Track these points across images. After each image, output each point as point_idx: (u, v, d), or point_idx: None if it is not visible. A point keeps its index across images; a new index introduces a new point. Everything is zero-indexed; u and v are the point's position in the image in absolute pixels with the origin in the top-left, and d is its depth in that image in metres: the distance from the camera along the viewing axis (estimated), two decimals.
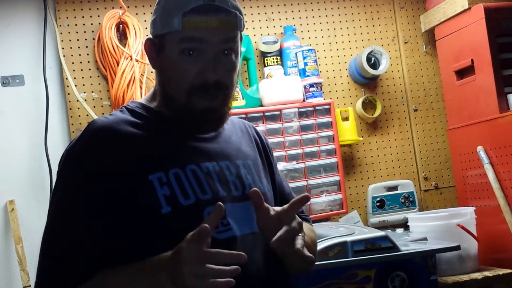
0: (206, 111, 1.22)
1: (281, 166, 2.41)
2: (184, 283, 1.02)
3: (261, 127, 2.40)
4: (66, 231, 1.14)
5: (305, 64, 2.51)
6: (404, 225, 2.51)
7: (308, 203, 2.42)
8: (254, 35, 2.60)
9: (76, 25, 2.40)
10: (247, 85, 2.55)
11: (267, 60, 2.55)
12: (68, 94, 2.36)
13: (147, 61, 1.97)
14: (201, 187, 1.19)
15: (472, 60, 2.43)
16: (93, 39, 2.40)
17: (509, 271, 2.18)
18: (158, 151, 1.21)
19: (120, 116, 1.24)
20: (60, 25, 2.38)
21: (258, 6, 2.62)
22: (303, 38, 2.65)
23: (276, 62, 2.55)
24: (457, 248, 1.98)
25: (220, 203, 1.07)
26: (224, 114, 1.26)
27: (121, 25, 2.39)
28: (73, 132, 2.35)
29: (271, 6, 2.64)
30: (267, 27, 2.63)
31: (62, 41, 2.37)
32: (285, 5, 2.66)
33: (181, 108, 1.22)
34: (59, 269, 1.12)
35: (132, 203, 1.15)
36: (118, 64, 2.31)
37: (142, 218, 1.15)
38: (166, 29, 1.22)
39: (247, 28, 2.59)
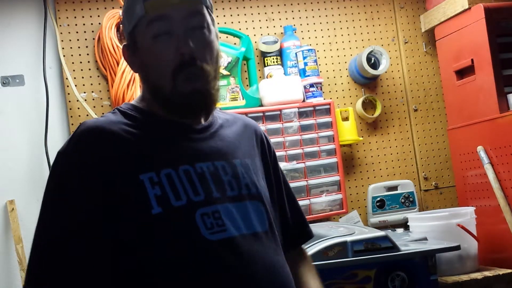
0: (193, 93, 1.20)
1: (281, 166, 2.39)
2: None
3: (261, 127, 2.40)
4: (57, 231, 1.12)
5: (305, 64, 2.51)
6: (404, 225, 2.50)
7: (308, 202, 2.44)
8: (254, 35, 2.59)
9: (76, 25, 2.40)
10: (247, 85, 2.55)
11: (267, 60, 2.55)
12: (68, 94, 2.36)
13: None
14: (194, 188, 1.16)
15: (472, 60, 2.43)
16: (93, 39, 2.40)
17: (509, 271, 2.18)
18: (150, 151, 1.19)
19: (111, 117, 1.24)
20: (60, 25, 2.38)
21: (258, 6, 2.62)
22: (303, 38, 2.65)
23: (276, 62, 2.55)
24: (457, 248, 1.97)
25: None
26: (211, 96, 1.24)
27: (121, 25, 2.39)
28: (73, 132, 2.35)
29: (271, 6, 2.64)
30: (267, 27, 2.63)
31: (62, 41, 2.37)
32: (285, 5, 2.66)
33: (168, 95, 1.22)
34: (46, 272, 1.10)
35: (123, 203, 1.13)
36: (118, 64, 2.31)
37: (132, 218, 1.13)
38: (133, 21, 1.23)
39: (247, 28, 2.59)
